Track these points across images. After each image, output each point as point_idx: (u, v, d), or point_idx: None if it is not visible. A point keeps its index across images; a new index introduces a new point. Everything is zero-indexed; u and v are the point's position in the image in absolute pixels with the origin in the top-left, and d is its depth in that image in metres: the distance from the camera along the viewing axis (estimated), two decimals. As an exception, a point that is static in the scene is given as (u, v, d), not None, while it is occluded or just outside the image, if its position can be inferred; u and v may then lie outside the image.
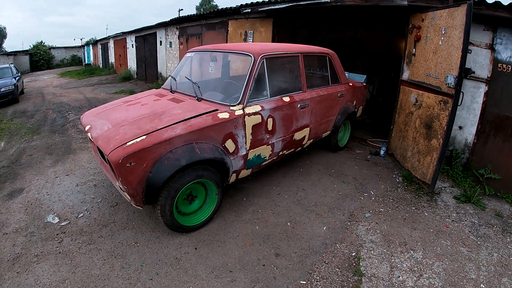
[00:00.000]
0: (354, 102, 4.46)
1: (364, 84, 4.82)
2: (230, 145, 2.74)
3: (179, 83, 3.46)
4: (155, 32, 11.29)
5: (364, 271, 2.37)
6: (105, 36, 21.04)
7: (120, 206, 3.21)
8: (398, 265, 2.43)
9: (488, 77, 3.50)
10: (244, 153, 2.90)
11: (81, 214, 3.08)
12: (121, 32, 16.03)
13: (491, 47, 3.43)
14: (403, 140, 4.16)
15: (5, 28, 42.80)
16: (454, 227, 3.01)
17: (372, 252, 2.60)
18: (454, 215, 3.21)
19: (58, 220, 2.98)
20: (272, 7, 5.40)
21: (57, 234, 2.74)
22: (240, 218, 3.00)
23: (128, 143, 2.25)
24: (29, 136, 5.64)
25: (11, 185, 3.71)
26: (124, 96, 9.19)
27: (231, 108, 2.81)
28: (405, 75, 4.17)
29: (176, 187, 2.41)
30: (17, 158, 4.54)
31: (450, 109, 3.09)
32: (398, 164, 4.33)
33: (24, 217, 3.01)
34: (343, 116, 4.13)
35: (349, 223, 2.97)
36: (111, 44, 18.91)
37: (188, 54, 3.79)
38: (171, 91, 3.36)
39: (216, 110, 2.74)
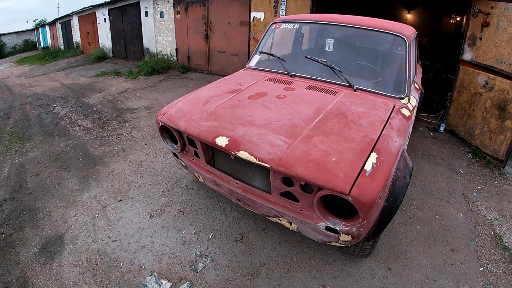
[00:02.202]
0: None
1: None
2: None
3: (289, 64, 2.79)
4: (138, 2, 9.27)
5: (510, 246, 2.71)
6: (64, 14, 17.50)
7: (248, 237, 2.53)
8: None
9: None
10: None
11: (200, 264, 2.25)
12: (90, 6, 13.24)
13: None
14: (468, 118, 4.39)
15: None
16: None
17: (502, 228, 2.91)
18: None
19: (170, 284, 2.08)
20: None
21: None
22: (397, 221, 2.85)
23: (366, 170, 1.61)
24: (19, 145, 4.15)
25: (36, 233, 2.51)
26: (110, 78, 7.95)
27: (402, 101, 2.38)
28: (468, 56, 4.31)
29: None
30: (19, 183, 3.23)
31: None
32: (461, 140, 4.58)
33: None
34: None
35: (470, 205, 3.17)
36: (74, 21, 15.98)
37: (283, 26, 3.06)
38: (288, 75, 2.69)
39: (394, 105, 2.28)
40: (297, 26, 3.03)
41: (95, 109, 5.55)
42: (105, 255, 2.33)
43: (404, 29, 2.70)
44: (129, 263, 2.25)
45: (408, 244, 2.66)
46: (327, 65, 2.55)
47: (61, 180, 3.29)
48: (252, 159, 1.76)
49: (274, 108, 2.15)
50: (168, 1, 8.02)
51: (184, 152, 2.38)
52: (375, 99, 2.36)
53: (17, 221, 2.69)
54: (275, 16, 5.87)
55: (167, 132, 2.45)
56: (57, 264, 2.25)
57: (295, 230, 2.04)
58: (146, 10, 9.04)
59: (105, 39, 12.84)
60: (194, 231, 2.57)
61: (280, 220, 2.03)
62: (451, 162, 4.07)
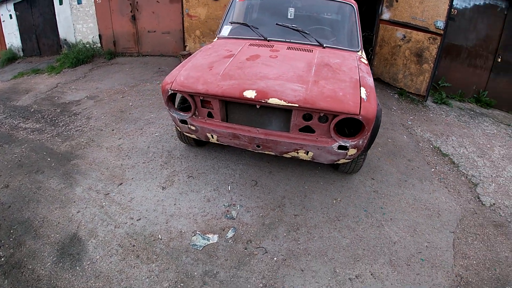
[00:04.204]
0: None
1: None
2: None
3: (261, 31, 3.12)
4: None
5: (446, 153, 3.85)
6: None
7: (261, 181, 2.91)
8: (448, 143, 4.02)
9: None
10: None
11: (233, 211, 2.61)
12: (-9, 3, 10.26)
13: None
14: (390, 66, 5.39)
15: None
16: (449, 119, 4.68)
17: (438, 142, 4.04)
18: (442, 112, 4.86)
19: (216, 235, 2.39)
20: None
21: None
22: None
23: (364, 98, 2.22)
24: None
25: (43, 242, 2.39)
26: (32, 77, 6.71)
27: (358, 53, 3.01)
28: (386, 16, 5.27)
29: None
30: None
31: (439, 43, 4.45)
32: (387, 85, 5.60)
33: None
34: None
35: (408, 130, 4.21)
36: (-30, 24, 12.00)
37: None
38: (266, 40, 3.04)
39: (357, 56, 2.90)
40: None
41: (32, 109, 4.98)
42: (137, 235, 2.39)
43: None
44: (167, 233, 2.40)
45: (377, 160, 3.46)
46: (297, 30, 3.05)
47: (39, 184, 3.03)
48: (282, 103, 2.16)
49: (275, 65, 2.53)
50: (86, -15, 7.33)
51: (194, 116, 2.61)
52: (342, 53, 2.97)
53: (11, 239, 2.41)
54: (209, -9, 6.06)
55: (172, 101, 2.63)
56: (88, 262, 2.20)
57: (309, 159, 2.54)
58: (60, -3, 8.00)
59: (12, 37, 10.77)
60: (212, 188, 2.83)
61: (298, 153, 2.48)
62: (384, 102, 5.06)
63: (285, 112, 2.33)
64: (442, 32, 4.46)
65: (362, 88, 2.33)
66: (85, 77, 6.47)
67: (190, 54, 6.42)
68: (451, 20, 4.58)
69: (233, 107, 2.48)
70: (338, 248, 2.40)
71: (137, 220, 2.54)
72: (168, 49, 7.25)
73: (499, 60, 5.46)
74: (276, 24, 3.12)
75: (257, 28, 3.16)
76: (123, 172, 3.11)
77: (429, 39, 4.70)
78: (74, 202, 2.76)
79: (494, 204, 3.24)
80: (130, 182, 2.96)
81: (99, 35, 7.73)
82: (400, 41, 5.17)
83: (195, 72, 2.51)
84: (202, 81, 2.38)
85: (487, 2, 5.21)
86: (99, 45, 7.80)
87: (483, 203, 3.22)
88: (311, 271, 2.20)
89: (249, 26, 3.19)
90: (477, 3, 5.22)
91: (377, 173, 3.27)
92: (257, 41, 3.08)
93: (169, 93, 2.47)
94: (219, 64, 2.59)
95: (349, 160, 2.61)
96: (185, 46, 6.64)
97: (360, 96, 2.24)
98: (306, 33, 3.03)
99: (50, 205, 2.74)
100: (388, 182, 3.18)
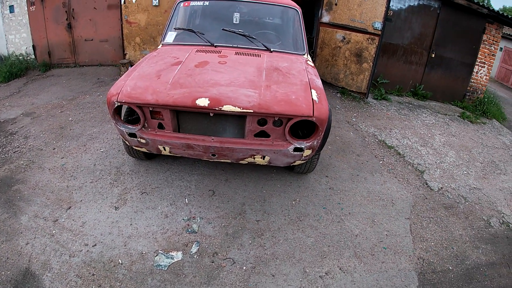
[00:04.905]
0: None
1: None
2: None
3: (207, 37, 3.06)
4: None
5: (391, 145, 4.17)
6: None
7: (218, 190, 2.85)
8: (392, 136, 4.39)
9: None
10: None
11: (194, 225, 2.52)
12: None
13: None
14: (332, 67, 5.61)
15: None
16: (390, 113, 5.04)
17: (382, 136, 4.33)
18: (383, 107, 5.21)
19: (180, 252, 2.31)
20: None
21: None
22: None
23: (315, 100, 2.29)
24: None
25: None
26: None
27: (304, 56, 3.10)
28: (326, 19, 5.50)
29: None
30: None
31: (377, 43, 4.74)
32: (329, 85, 5.76)
33: None
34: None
35: (354, 126, 4.42)
36: None
37: (192, 3, 3.36)
38: (212, 46, 2.99)
39: (303, 59, 2.99)
40: (206, 3, 3.36)
41: (-40, 131, 4.39)
42: (95, 262, 2.21)
43: (294, 3, 3.46)
44: (128, 256, 2.26)
45: (329, 158, 3.61)
46: (244, 35, 3.05)
47: None
48: (236, 109, 2.14)
49: (225, 71, 2.50)
50: (19, -9, 6.66)
51: (144, 128, 2.48)
52: (289, 56, 3.04)
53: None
54: (149, -5, 5.85)
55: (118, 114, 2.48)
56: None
57: (266, 163, 2.56)
58: (-10, 7, 7.16)
59: None
60: (168, 203, 2.71)
61: (254, 158, 2.48)
62: (328, 101, 5.31)
63: (239, 118, 2.32)
64: (380, 32, 4.77)
65: (312, 90, 2.41)
66: (19, 92, 5.89)
67: (130, 62, 6.20)
68: (388, 21, 4.92)
69: (185, 117, 2.41)
70: (304, 248, 2.45)
71: (92, 246, 2.34)
72: (107, 58, 6.88)
73: (433, 55, 6.01)
74: (223, 29, 3.10)
75: (203, 34, 3.10)
76: (70, 194, 2.86)
77: (368, 40, 5.00)
78: (21, 233, 2.48)
79: (441, 188, 3.54)
80: (79, 205, 2.73)
81: (33, 46, 7.08)
82: (340, 42, 5.43)
83: (142, 82, 2.39)
84: (151, 91, 2.27)
85: (421, 3, 5.70)
86: (33, 56, 7.14)
87: (432, 188, 3.50)
88: (282, 275, 2.22)
89: (194, 32, 3.12)
90: (412, 4, 5.70)
91: (330, 171, 3.39)
92: (203, 47, 3.03)
93: (115, 105, 2.31)
94: (167, 72, 2.50)
95: (305, 161, 2.66)
96: (124, 54, 6.34)
97: (312, 98, 2.31)
98: (253, 38, 3.05)
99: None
100: (342, 178, 3.32)
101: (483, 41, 6.39)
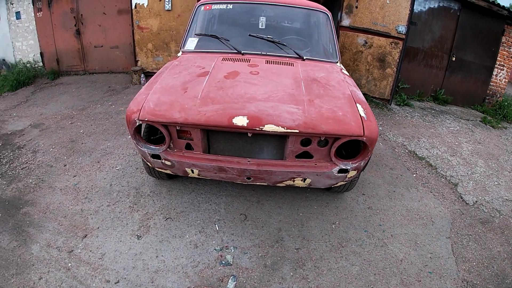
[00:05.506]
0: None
1: None
2: None
3: (233, 43, 2.76)
4: None
5: (422, 156, 3.85)
6: None
7: (250, 214, 2.54)
8: (421, 145, 4.10)
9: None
10: None
11: (228, 256, 2.22)
12: None
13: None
14: (353, 72, 5.27)
15: None
16: (415, 120, 4.74)
17: (411, 145, 4.05)
18: (407, 114, 4.91)
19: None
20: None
21: None
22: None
23: (364, 116, 2.01)
24: None
25: None
26: None
27: (337, 64, 2.81)
28: (346, 22, 5.17)
29: None
30: None
31: (401, 47, 4.45)
32: None
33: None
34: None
35: (382, 136, 4.12)
36: None
37: (215, 6, 3.01)
38: (240, 53, 2.68)
39: (339, 68, 2.70)
40: (230, 6, 3.03)
41: (-35, 144, 4.09)
42: None
43: (323, 7, 3.13)
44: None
45: (363, 173, 3.27)
46: (273, 41, 2.74)
47: None
48: (280, 129, 1.83)
49: (260, 83, 2.19)
50: (25, -3, 6.37)
51: (169, 149, 2.17)
52: (324, 65, 2.72)
53: None
54: (160, 1, 5.51)
55: (139, 133, 2.16)
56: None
57: (305, 186, 2.24)
58: (-4, 13, 6.89)
59: None
60: (196, 230, 2.39)
61: (294, 181, 2.17)
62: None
63: (279, 138, 2.02)
64: (404, 36, 4.47)
65: (358, 104, 2.11)
66: (27, 101, 5.59)
67: (142, 69, 5.88)
68: (413, 25, 4.61)
69: (217, 136, 2.09)
70: (350, 278, 2.17)
71: (115, 283, 2.03)
72: (118, 65, 6.57)
73: (453, 59, 5.69)
74: (249, 35, 2.78)
75: (227, 40, 2.79)
76: (85, 220, 2.55)
77: (391, 44, 4.69)
78: (33, 265, 2.17)
79: (476, 201, 3.27)
80: (97, 232, 2.42)
81: (41, 53, 6.79)
82: (362, 47, 5.12)
83: (166, 96, 2.07)
84: (178, 108, 1.96)
85: (441, 5, 5.39)
86: (41, 64, 6.85)
87: (467, 202, 3.24)
88: (329, 311, 1.90)
89: (218, 38, 2.81)
90: (432, 6, 5.39)
91: (366, 187, 3.09)
92: (229, 54, 2.72)
93: (137, 124, 2.00)
94: (194, 84, 2.18)
95: (347, 182, 2.35)
96: (136, 61, 6.02)
97: (360, 115, 2.01)
98: (283, 44, 2.74)
99: (4, 271, 2.13)
100: (379, 195, 3.03)
101: (502, 43, 6.10)
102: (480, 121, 5.64)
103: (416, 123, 4.77)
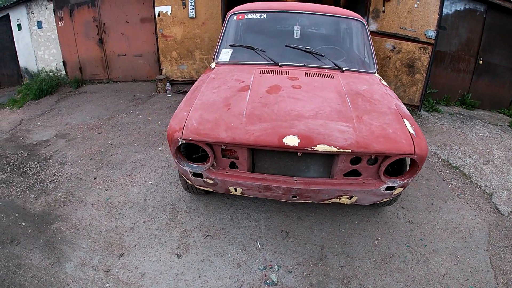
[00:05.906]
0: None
1: None
2: None
3: (269, 54, 2.68)
4: (7, 15, 6.70)
5: (456, 165, 3.73)
6: None
7: (292, 231, 2.47)
8: (454, 154, 3.96)
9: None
10: None
11: (273, 275, 2.16)
12: None
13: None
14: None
15: None
16: (445, 127, 4.60)
17: (444, 154, 3.92)
18: (437, 120, 4.77)
19: None
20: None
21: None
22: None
23: (413, 133, 1.92)
24: None
25: None
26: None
27: (375, 75, 2.71)
28: (373, 27, 5.04)
29: None
30: None
31: (430, 53, 4.33)
32: None
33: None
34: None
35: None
36: None
37: (248, 16, 2.93)
38: (277, 65, 2.60)
39: (378, 79, 2.61)
40: (264, 15, 2.96)
41: (-7, 154, 4.12)
42: None
43: (358, 14, 3.03)
44: None
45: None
46: (311, 52, 2.66)
47: (18, 260, 2.32)
48: (332, 149, 1.75)
49: (304, 99, 2.11)
50: (46, 8, 6.38)
51: (212, 167, 2.11)
52: (363, 76, 2.62)
53: None
54: (183, 8, 5.50)
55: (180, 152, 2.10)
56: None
57: (351, 203, 2.17)
58: (18, 23, 6.95)
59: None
60: (238, 248, 2.32)
61: (340, 199, 2.09)
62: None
63: (327, 156, 1.94)
64: (433, 41, 4.34)
65: (405, 120, 2.02)
66: (51, 110, 5.62)
67: (167, 78, 5.86)
68: (442, 29, 4.47)
69: (263, 155, 2.03)
70: (395, 297, 2.04)
71: (156, 305, 1.97)
72: (142, 73, 6.58)
73: (480, 62, 5.51)
74: (286, 45, 2.70)
75: (263, 52, 2.71)
76: (120, 237, 2.50)
77: (420, 49, 4.56)
78: (68, 285, 2.11)
79: (511, 212, 3.14)
80: (134, 251, 2.36)
81: (63, 62, 6.85)
82: (390, 52, 5.00)
83: (209, 113, 2.01)
84: (224, 127, 1.89)
85: (467, 7, 5.23)
86: (63, 72, 6.91)
87: (502, 212, 3.13)
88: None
89: (254, 50, 2.74)
90: (458, 9, 5.24)
91: (404, 200, 2.99)
92: (267, 66, 2.65)
93: (179, 143, 1.93)
94: (236, 100, 2.11)
95: (392, 198, 2.26)
96: (161, 70, 6.01)
97: (409, 132, 1.92)
98: (321, 55, 2.65)
99: (38, 292, 2.05)
100: (418, 208, 2.92)
101: (527, 45, 5.85)
102: (508, 125, 5.45)
103: (446, 129, 4.61)
